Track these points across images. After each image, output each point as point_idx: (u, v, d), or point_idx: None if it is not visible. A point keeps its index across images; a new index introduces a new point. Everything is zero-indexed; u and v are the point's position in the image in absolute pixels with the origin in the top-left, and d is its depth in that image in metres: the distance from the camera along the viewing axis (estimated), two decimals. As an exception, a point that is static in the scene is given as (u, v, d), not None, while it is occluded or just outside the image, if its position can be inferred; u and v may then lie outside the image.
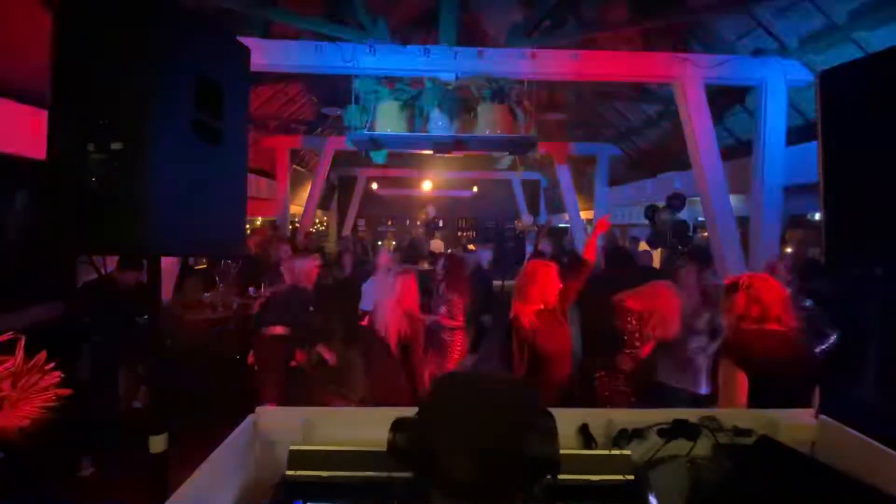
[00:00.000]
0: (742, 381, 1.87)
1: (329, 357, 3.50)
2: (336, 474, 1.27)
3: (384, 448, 1.30)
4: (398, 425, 0.72)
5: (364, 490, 1.23)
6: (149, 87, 1.11)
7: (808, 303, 3.13)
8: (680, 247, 6.04)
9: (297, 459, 1.29)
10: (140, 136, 1.10)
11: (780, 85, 4.04)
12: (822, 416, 1.40)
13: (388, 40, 4.15)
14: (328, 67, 4.12)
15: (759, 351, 1.90)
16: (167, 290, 4.27)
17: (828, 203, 1.44)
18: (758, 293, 1.97)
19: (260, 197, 9.57)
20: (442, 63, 4.11)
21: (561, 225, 12.46)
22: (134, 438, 1.44)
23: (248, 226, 10.41)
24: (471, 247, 14.03)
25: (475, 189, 14.05)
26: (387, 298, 2.84)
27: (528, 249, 9.91)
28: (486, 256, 5.50)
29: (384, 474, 1.27)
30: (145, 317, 2.92)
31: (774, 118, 4.05)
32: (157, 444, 1.27)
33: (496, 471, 0.62)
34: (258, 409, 1.39)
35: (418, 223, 15.09)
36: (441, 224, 15.53)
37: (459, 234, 16.19)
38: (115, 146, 1.07)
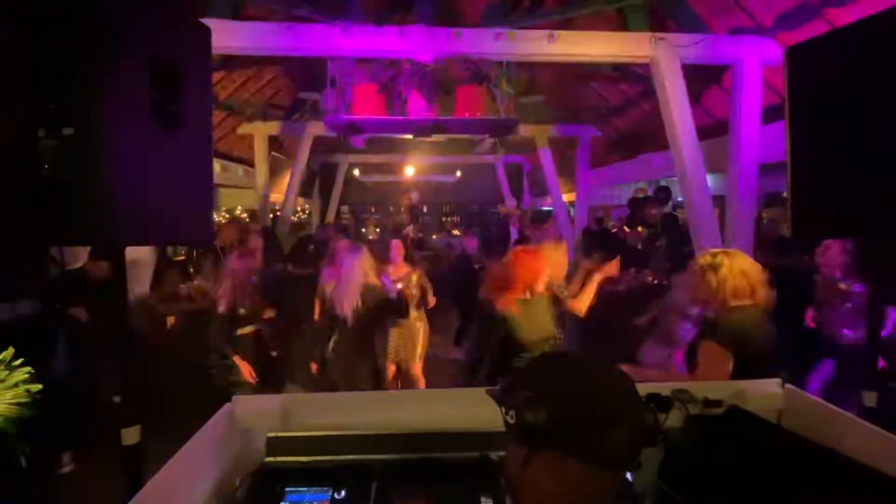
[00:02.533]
0: (728, 361, 1.80)
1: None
2: (315, 459, 1.27)
3: (362, 431, 1.32)
4: (528, 402, 0.71)
5: (343, 474, 1.24)
6: (99, 69, 1.05)
7: (856, 288, 2.90)
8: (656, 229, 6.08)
9: (276, 446, 1.29)
10: (92, 121, 1.05)
11: (755, 63, 4.07)
12: (788, 386, 1.45)
13: (363, 21, 4.05)
14: (302, 49, 4.01)
15: (751, 328, 1.84)
16: (146, 283, 4.18)
17: (794, 177, 1.46)
18: (741, 268, 1.89)
19: (238, 185, 9.33)
20: (419, 44, 4.03)
21: (545, 208, 12.51)
22: (114, 433, 1.42)
23: (227, 215, 10.22)
24: (455, 232, 14.03)
25: (458, 174, 13.98)
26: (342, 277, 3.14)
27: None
28: (472, 244, 5.47)
29: (363, 457, 1.28)
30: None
31: (750, 97, 4.09)
32: (130, 436, 1.25)
33: (640, 444, 0.71)
34: (235, 397, 1.38)
35: (402, 209, 15.00)
36: (425, 209, 15.48)
37: (444, 219, 16.14)
38: (67, 131, 1.02)
